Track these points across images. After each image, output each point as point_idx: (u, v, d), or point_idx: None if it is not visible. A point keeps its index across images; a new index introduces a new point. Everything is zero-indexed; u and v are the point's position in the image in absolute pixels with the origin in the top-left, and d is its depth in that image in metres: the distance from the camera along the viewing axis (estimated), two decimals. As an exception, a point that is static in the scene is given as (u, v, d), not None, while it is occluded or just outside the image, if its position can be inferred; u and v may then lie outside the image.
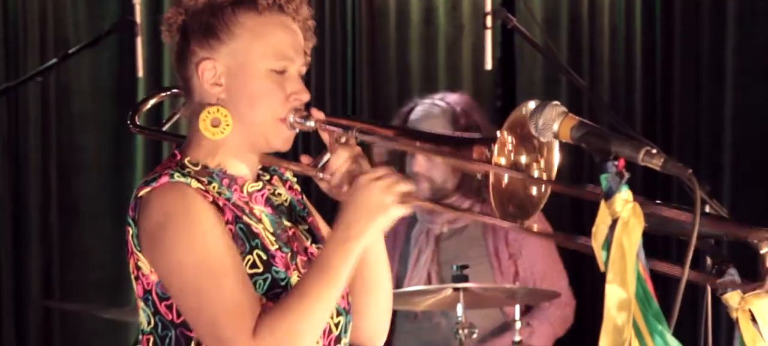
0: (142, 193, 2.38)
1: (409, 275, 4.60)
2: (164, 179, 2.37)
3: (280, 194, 2.54)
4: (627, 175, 2.10)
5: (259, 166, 2.53)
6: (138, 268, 2.40)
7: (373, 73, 5.46)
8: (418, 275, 4.57)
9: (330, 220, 2.65)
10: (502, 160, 2.33)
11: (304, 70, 2.49)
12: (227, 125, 2.41)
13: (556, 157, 2.35)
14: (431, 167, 4.52)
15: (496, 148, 2.30)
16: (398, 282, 4.61)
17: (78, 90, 5.48)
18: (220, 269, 2.32)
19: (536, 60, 5.34)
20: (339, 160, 2.43)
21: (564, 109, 2.22)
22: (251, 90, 2.42)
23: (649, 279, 2.10)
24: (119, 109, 5.42)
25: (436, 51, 5.45)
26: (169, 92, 2.91)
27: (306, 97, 2.46)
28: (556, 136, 2.21)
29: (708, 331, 2.44)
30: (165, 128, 2.81)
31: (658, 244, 5.02)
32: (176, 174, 2.37)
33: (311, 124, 2.45)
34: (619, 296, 2.07)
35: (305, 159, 2.50)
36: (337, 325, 2.46)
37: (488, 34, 3.99)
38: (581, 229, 5.23)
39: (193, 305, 2.33)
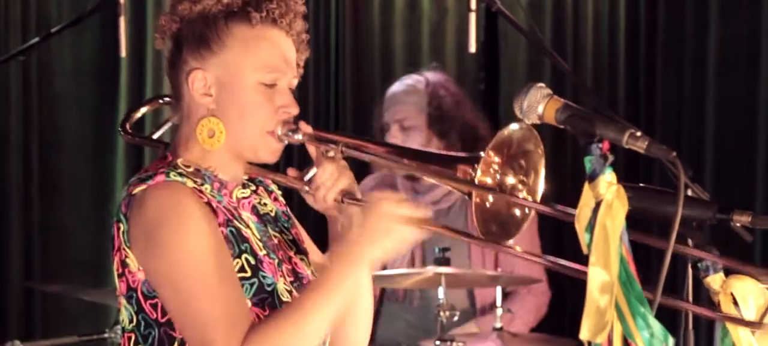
0: (136, 190, 2.37)
1: (392, 256, 4.59)
2: (160, 178, 2.36)
3: (265, 204, 2.55)
4: (611, 157, 2.11)
5: (246, 177, 2.53)
6: (124, 265, 2.38)
7: (356, 56, 5.46)
8: (402, 257, 4.57)
9: (311, 232, 2.66)
10: (488, 180, 2.34)
11: (295, 82, 2.50)
12: (221, 133, 2.42)
13: (542, 180, 2.36)
14: (406, 140, 4.53)
15: (480, 167, 2.30)
16: (382, 264, 4.61)
17: (60, 69, 5.46)
18: (213, 274, 2.31)
19: (520, 43, 5.35)
20: (325, 175, 2.44)
21: (549, 91, 2.22)
22: (241, 102, 2.42)
23: (632, 261, 2.11)
24: (101, 89, 5.41)
25: (420, 34, 5.45)
26: (160, 101, 2.91)
27: (295, 110, 2.46)
28: (540, 118, 2.21)
29: (689, 313, 2.45)
30: (156, 136, 2.80)
31: (640, 227, 5.03)
32: (172, 173, 2.37)
33: (299, 137, 2.46)
34: (601, 278, 2.07)
35: (291, 172, 2.50)
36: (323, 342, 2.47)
37: (472, 17, 3.98)
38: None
39: (183, 308, 2.32)
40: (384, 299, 4.67)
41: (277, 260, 2.43)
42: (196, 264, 2.31)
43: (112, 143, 5.44)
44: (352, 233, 2.37)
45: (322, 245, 2.61)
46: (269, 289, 2.38)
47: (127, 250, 2.37)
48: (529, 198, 2.36)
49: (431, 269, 4.17)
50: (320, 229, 2.64)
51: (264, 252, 2.42)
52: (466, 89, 4.92)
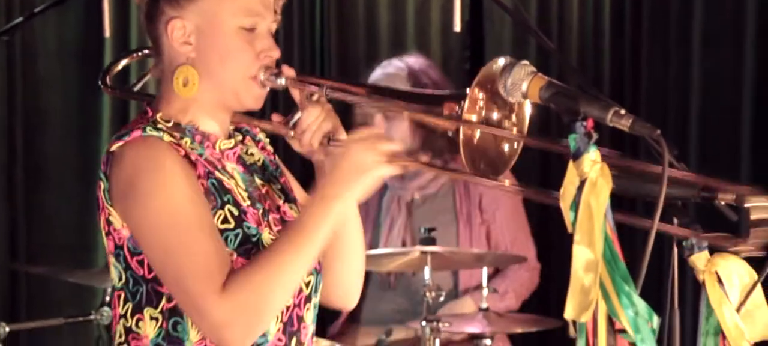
0: (113, 147, 2.37)
1: (383, 243, 4.60)
2: (136, 133, 2.36)
3: (252, 154, 2.54)
4: (595, 135, 2.10)
5: (232, 127, 2.52)
6: (109, 223, 2.38)
7: (341, 36, 5.45)
8: (393, 244, 4.58)
9: (299, 178, 2.64)
10: (473, 117, 2.32)
11: (274, 27, 2.48)
12: (195, 82, 2.40)
13: (528, 113, 2.34)
14: (390, 128, 4.52)
15: (466, 104, 2.29)
16: (373, 244, 4.61)
17: (44, 50, 5.43)
18: (190, 224, 2.31)
19: (505, 22, 5.34)
20: (310, 118, 2.42)
21: (533, 69, 2.21)
22: (221, 48, 2.41)
23: (617, 240, 2.10)
24: (86, 70, 5.38)
25: (404, 13, 5.44)
26: (140, 53, 2.89)
27: (276, 54, 2.45)
28: (524, 96, 2.20)
29: (674, 292, 2.45)
30: (136, 88, 2.79)
31: (625, 205, 5.04)
32: (148, 128, 2.37)
33: (282, 81, 2.44)
34: (586, 256, 2.07)
35: (276, 117, 2.49)
36: (307, 284, 2.46)
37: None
38: (549, 187, 5.27)
39: (162, 259, 2.32)
40: (370, 281, 4.67)
41: (262, 210, 2.42)
42: (172, 216, 2.30)
43: (96, 124, 5.42)
44: (329, 173, 2.36)
45: (309, 190, 2.60)
46: (254, 239, 2.38)
47: (110, 208, 2.37)
48: (519, 137, 2.34)
49: (417, 249, 4.17)
50: (305, 175, 2.63)
51: (248, 203, 2.41)
52: (451, 69, 4.91)
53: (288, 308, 2.42)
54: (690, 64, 5.11)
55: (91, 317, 4.33)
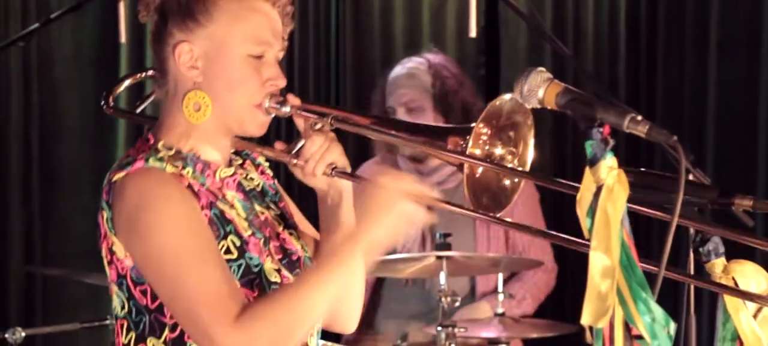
0: (115, 177, 2.36)
1: (402, 240, 4.59)
2: (139, 164, 2.35)
3: (252, 179, 2.53)
4: (612, 142, 2.10)
5: (232, 151, 2.51)
6: (112, 252, 2.38)
7: (356, 41, 5.45)
8: (411, 241, 4.57)
9: (300, 205, 2.65)
10: (477, 152, 2.34)
11: (281, 55, 2.47)
12: (207, 107, 2.40)
13: (531, 151, 2.36)
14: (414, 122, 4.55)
15: (471, 139, 2.30)
16: (391, 248, 4.60)
17: (60, 56, 5.45)
18: (197, 254, 2.30)
19: (520, 28, 5.34)
20: (314, 147, 2.42)
21: (549, 75, 2.21)
22: (229, 75, 2.40)
23: (634, 246, 2.10)
24: (101, 75, 5.39)
25: (420, 18, 5.44)
26: (144, 74, 2.89)
27: (282, 83, 2.44)
28: (540, 102, 2.20)
29: (690, 298, 2.45)
30: (139, 110, 2.79)
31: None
32: (151, 159, 2.35)
33: (287, 109, 2.44)
34: (603, 263, 2.06)
35: (279, 145, 2.49)
36: None
37: (473, 1, 3.97)
38: (563, 196, 5.26)
39: (171, 292, 2.31)
40: (385, 285, 4.67)
41: (263, 239, 2.41)
42: (179, 247, 2.29)
43: (112, 129, 5.44)
44: (360, 209, 2.35)
45: (310, 220, 2.60)
46: (256, 269, 2.37)
47: (113, 237, 2.36)
48: (522, 172, 2.37)
49: (433, 254, 4.17)
50: (305, 205, 2.63)
51: (249, 232, 2.40)
52: (466, 74, 4.91)
53: None
54: (706, 69, 5.10)
55: (107, 321, 4.33)
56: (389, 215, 2.34)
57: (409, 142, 2.54)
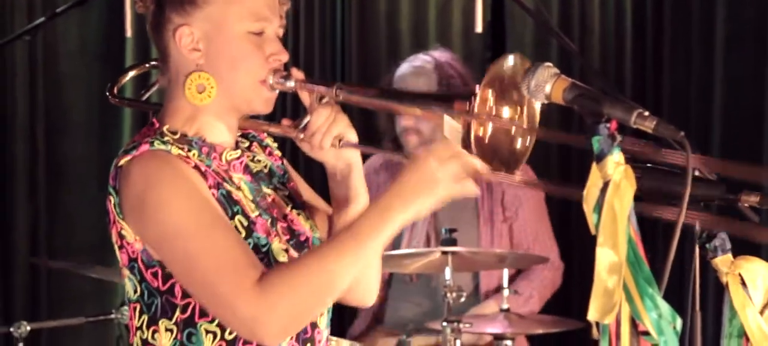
0: (122, 162, 2.36)
1: (407, 236, 4.60)
2: (144, 148, 2.35)
3: (259, 161, 2.52)
4: (619, 137, 2.09)
5: (239, 133, 2.51)
6: (121, 237, 2.38)
7: (362, 37, 5.45)
8: (417, 238, 4.58)
9: (310, 182, 2.64)
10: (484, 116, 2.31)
11: (281, 32, 2.46)
12: (212, 88, 2.39)
13: (538, 110, 2.31)
14: (419, 121, 4.56)
15: (477, 101, 2.27)
16: (395, 245, 4.61)
17: (66, 50, 5.45)
18: (208, 227, 2.29)
19: (526, 23, 5.33)
20: (320, 120, 2.41)
21: (556, 70, 2.20)
22: (230, 53, 2.40)
23: (640, 242, 2.10)
24: (107, 69, 5.40)
25: (426, 14, 5.44)
26: (148, 65, 2.89)
27: (285, 57, 2.44)
28: (548, 97, 2.19)
29: (696, 294, 2.44)
30: (144, 98, 2.79)
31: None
32: (156, 142, 2.36)
33: (291, 84, 2.43)
34: (609, 259, 2.06)
35: (286, 122, 2.48)
36: None
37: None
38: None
39: (187, 268, 2.30)
40: (392, 281, 4.67)
41: (270, 219, 2.41)
42: (189, 222, 2.29)
43: (117, 123, 5.44)
44: (396, 184, 2.29)
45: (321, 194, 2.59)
46: (264, 250, 2.36)
47: (122, 222, 2.36)
48: (530, 133, 2.31)
49: (439, 250, 4.17)
50: (310, 181, 2.62)
51: (257, 213, 2.40)
52: (472, 70, 4.91)
53: None
54: (712, 65, 5.10)
55: (112, 316, 4.33)
56: (431, 192, 2.28)
57: (413, 110, 2.49)
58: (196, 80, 2.40)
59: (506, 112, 2.31)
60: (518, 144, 2.33)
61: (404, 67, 4.67)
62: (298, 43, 5.44)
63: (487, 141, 2.30)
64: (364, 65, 5.44)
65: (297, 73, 2.44)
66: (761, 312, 2.30)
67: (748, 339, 2.30)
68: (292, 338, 2.39)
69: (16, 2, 5.37)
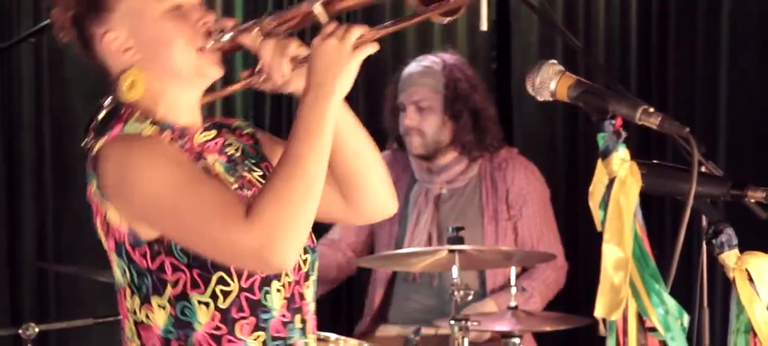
0: (97, 146, 2.38)
1: (409, 236, 4.61)
2: (117, 130, 2.39)
3: (230, 144, 2.52)
4: (624, 134, 2.10)
5: (208, 123, 2.50)
6: (107, 223, 2.39)
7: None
8: (419, 237, 4.59)
9: None
10: None
11: None
12: (141, 80, 2.41)
13: None
14: (422, 121, 4.58)
15: None
16: (398, 243, 4.62)
17: (71, 52, 5.43)
18: (189, 181, 2.30)
19: (532, 21, 5.33)
20: (268, 52, 2.40)
21: (561, 67, 2.21)
22: (160, 37, 2.41)
23: (646, 238, 2.10)
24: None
25: (431, 12, 5.43)
26: (112, 97, 2.88)
27: (211, 17, 2.44)
28: (553, 94, 2.20)
29: (703, 290, 2.44)
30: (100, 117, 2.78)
31: (654, 204, 5.04)
32: (130, 121, 2.40)
33: (227, 37, 2.42)
34: (616, 255, 2.06)
35: (244, 73, 2.48)
36: (304, 262, 2.45)
37: None
38: (576, 189, 5.26)
39: (178, 223, 2.30)
40: (395, 279, 4.68)
41: (249, 194, 2.41)
42: (170, 181, 2.29)
43: (124, 125, 5.44)
44: (310, 78, 2.32)
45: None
46: None
47: (105, 204, 2.37)
48: None
49: (445, 248, 4.17)
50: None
51: (236, 186, 2.41)
52: (477, 68, 4.91)
53: (290, 284, 2.42)
54: (717, 61, 5.09)
55: (120, 316, 4.33)
56: (344, 68, 2.32)
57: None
58: (126, 79, 2.41)
59: None
60: None
61: (412, 66, 4.68)
62: (304, 42, 5.43)
63: None
64: (369, 64, 5.42)
65: (227, 23, 2.44)
66: (768, 307, 2.30)
67: (755, 335, 2.30)
68: (283, 306, 2.40)
69: (22, 5, 5.37)
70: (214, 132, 2.51)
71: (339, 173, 2.48)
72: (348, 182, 2.51)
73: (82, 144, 2.70)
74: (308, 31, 2.50)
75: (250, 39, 2.42)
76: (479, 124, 4.63)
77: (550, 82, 2.20)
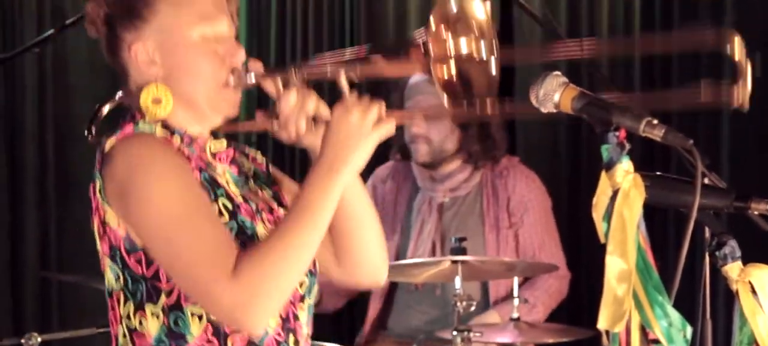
0: (106, 145, 2.38)
1: (412, 245, 4.60)
2: (128, 129, 2.38)
3: (243, 163, 2.53)
4: (628, 146, 2.10)
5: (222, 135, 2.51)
6: (104, 223, 2.38)
7: (371, 40, 5.44)
8: (423, 246, 4.58)
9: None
10: (444, 54, 2.29)
11: (233, 31, 2.46)
12: (169, 99, 2.40)
13: (493, 31, 2.29)
14: (430, 129, 4.58)
15: (430, 43, 2.26)
16: (401, 253, 4.61)
17: (75, 61, 5.46)
18: (191, 213, 2.30)
19: (535, 31, 5.33)
20: (288, 105, 2.40)
21: (565, 79, 2.21)
22: (187, 61, 2.40)
23: (650, 250, 2.10)
24: (116, 80, 5.39)
25: (434, 21, 5.43)
26: (118, 97, 2.87)
27: (241, 55, 2.43)
28: (556, 106, 2.20)
29: (706, 302, 2.44)
30: (104, 113, 2.77)
31: (657, 215, 5.03)
32: (140, 123, 2.39)
33: (252, 80, 2.42)
34: (619, 267, 2.06)
35: (260, 115, 2.47)
36: (301, 285, 2.45)
37: (487, 5, 3.96)
38: (579, 196, 5.23)
39: (169, 253, 2.30)
40: (397, 289, 4.67)
41: (255, 206, 2.42)
42: (173, 208, 2.29)
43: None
44: (325, 148, 2.33)
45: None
46: (249, 232, 2.37)
47: (106, 206, 2.37)
48: (493, 55, 2.29)
49: (448, 259, 4.16)
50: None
51: (241, 199, 2.41)
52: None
53: (286, 305, 2.41)
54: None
55: (123, 326, 4.33)
56: (362, 142, 2.32)
57: (372, 72, 2.48)
58: (152, 93, 2.40)
59: (464, 43, 2.29)
60: (492, 70, 2.30)
61: (416, 78, 4.66)
62: (307, 44, 5.45)
63: (454, 81, 2.30)
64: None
65: (255, 66, 2.44)
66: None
67: (758, 347, 2.30)
68: (278, 325, 2.40)
69: (25, 14, 5.38)
70: (224, 142, 2.50)
71: (336, 234, 2.49)
72: (344, 244, 2.51)
73: (86, 135, 2.71)
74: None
75: (275, 88, 2.42)
76: (486, 132, 4.62)
77: (553, 93, 2.20)
